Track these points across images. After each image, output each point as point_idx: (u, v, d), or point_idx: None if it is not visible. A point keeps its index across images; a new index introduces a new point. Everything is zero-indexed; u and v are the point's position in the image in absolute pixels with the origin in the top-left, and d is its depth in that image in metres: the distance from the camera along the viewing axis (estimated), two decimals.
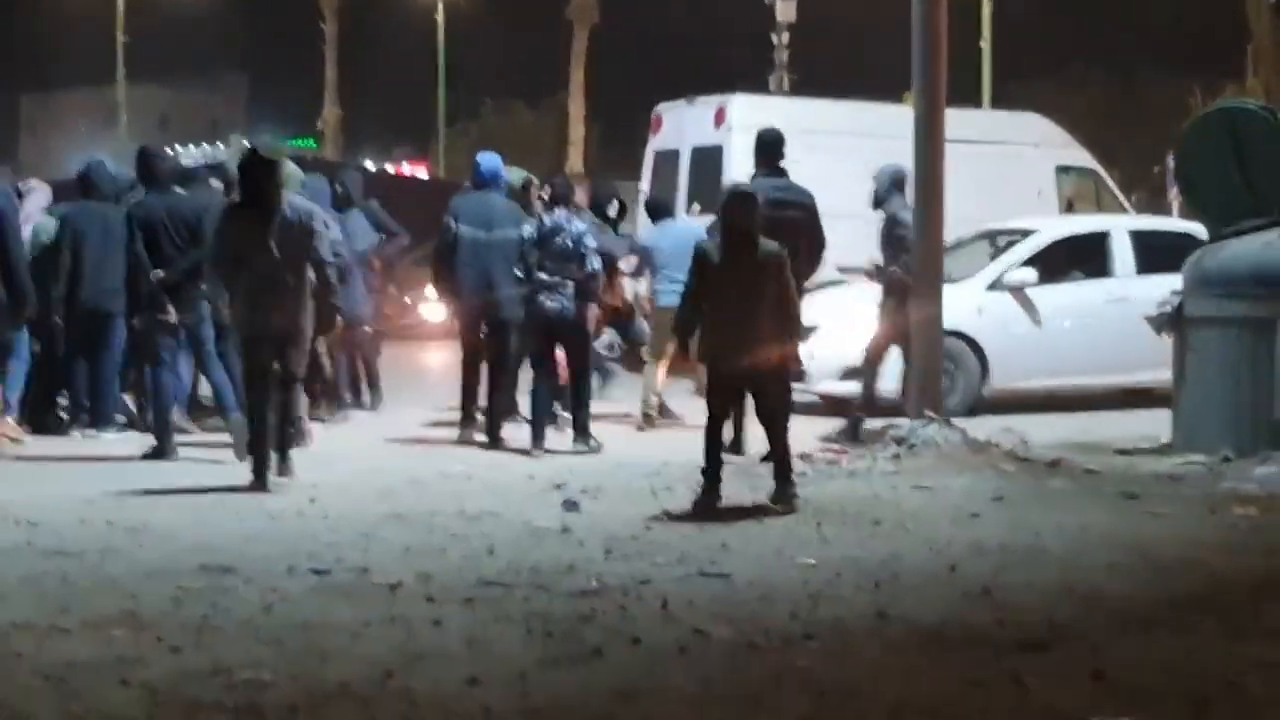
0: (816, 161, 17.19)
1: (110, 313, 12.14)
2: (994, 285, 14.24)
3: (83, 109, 70.11)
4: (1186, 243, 12.54)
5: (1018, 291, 14.15)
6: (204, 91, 77.91)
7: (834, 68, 34.52)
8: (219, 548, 7.79)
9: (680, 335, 9.44)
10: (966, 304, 13.85)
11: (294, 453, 10.10)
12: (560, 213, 11.69)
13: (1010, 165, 19.15)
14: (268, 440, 9.85)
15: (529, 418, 11.76)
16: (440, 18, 50.21)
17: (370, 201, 14.07)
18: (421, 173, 48.44)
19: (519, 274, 11.62)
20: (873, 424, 11.38)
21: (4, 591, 6.87)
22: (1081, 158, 20.48)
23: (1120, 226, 15.23)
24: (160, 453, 11.13)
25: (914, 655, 5.87)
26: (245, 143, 63.96)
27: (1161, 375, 13.86)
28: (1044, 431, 11.70)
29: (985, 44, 38.05)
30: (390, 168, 46.51)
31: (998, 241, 15.03)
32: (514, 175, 12.93)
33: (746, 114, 17.95)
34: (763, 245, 9.05)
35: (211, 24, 62.46)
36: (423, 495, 9.49)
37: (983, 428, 11.11)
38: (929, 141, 10.98)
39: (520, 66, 52.78)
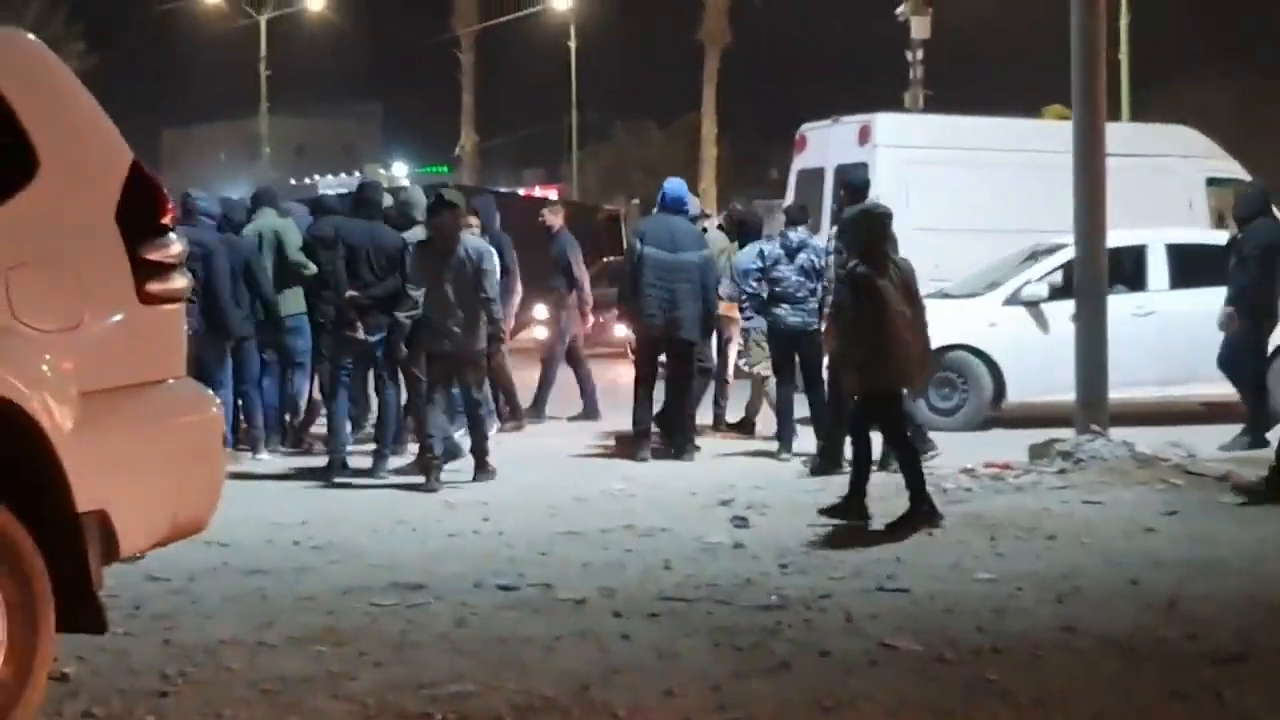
0: (960, 177, 17.27)
1: (245, 337, 12.47)
2: (1010, 300, 14.18)
3: (222, 141, 71.55)
4: (1221, 254, 12.65)
5: (1033, 306, 14.04)
6: (339, 120, 79.20)
7: (970, 84, 34.46)
8: (405, 565, 8.01)
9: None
10: (980, 318, 14.07)
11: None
12: (802, 231, 12.25)
13: (1158, 179, 18.95)
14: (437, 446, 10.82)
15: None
16: (572, 42, 50.61)
17: (504, 235, 14.17)
18: (553, 196, 48.86)
19: (752, 289, 12.09)
20: (1037, 438, 11.34)
21: (210, 610, 7.11)
22: (1231, 168, 20.20)
23: (1157, 240, 14.97)
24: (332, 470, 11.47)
25: (1107, 667, 5.91)
26: (381, 170, 64.84)
27: (1193, 390, 14.04)
28: (1211, 444, 11.63)
29: (1124, 56, 37.64)
30: (521, 191, 47.04)
31: (1039, 256, 14.85)
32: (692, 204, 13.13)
33: (891, 132, 18.01)
34: (902, 260, 9.28)
35: (345, 54, 63.58)
36: (590, 512, 9.66)
37: (1148, 441, 11.04)
38: (1089, 153, 10.95)
39: (652, 88, 53.18)
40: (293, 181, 64.77)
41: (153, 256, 5.18)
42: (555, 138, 56.25)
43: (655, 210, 12.91)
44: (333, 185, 56.49)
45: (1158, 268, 14.54)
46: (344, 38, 56.71)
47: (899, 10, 31.16)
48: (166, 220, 5.30)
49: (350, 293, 11.43)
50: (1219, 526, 8.67)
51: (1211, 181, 19.69)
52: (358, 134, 78.46)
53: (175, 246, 5.27)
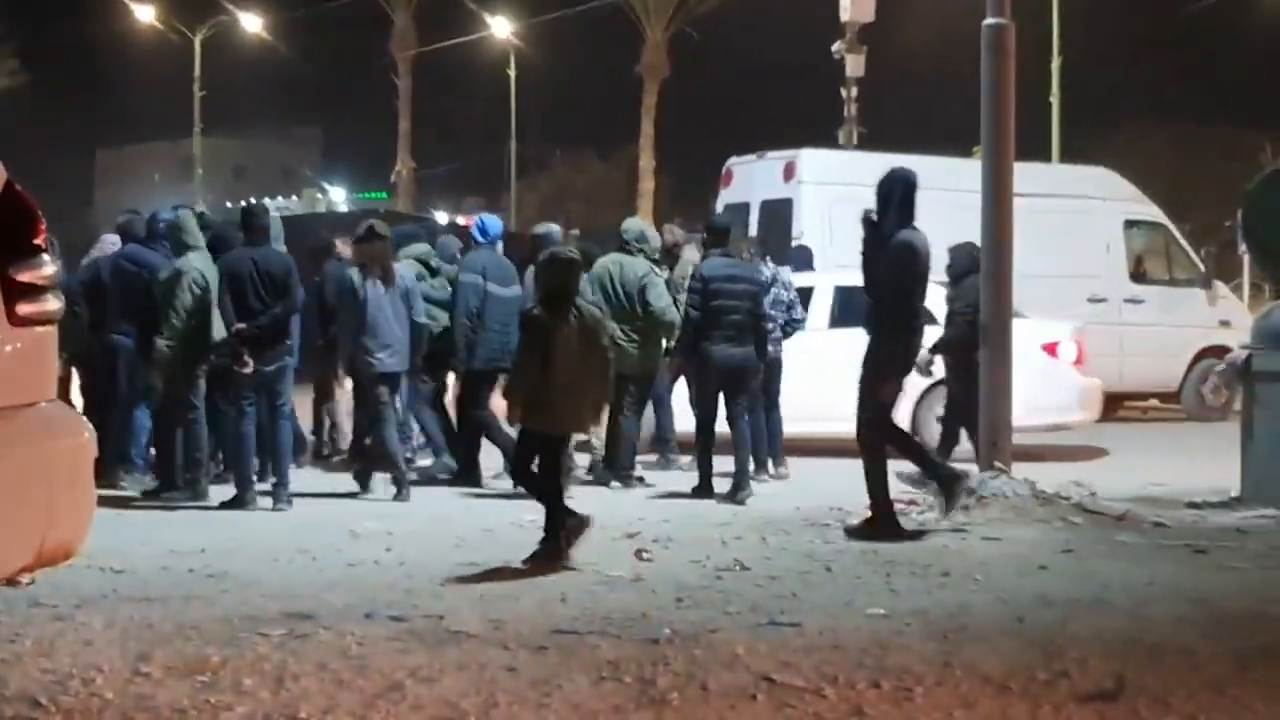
0: None
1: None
2: None
3: (157, 162, 71.12)
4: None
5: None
6: (278, 144, 78.92)
7: (905, 122, 34.70)
8: (298, 595, 7.97)
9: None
10: None
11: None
12: (773, 266, 12.96)
13: (1078, 220, 19.20)
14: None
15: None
16: (512, 71, 50.68)
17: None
18: None
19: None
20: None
21: (91, 637, 7.04)
22: (1150, 212, 20.48)
23: (826, 282, 15.43)
24: (240, 502, 11.38)
25: (981, 704, 5.94)
26: (319, 194, 64.48)
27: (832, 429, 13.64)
28: (1114, 483, 11.74)
29: (1054, 99, 38.05)
30: (461, 220, 46.97)
31: None
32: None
33: (816, 168, 18.15)
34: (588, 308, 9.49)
35: (286, 78, 63.39)
36: (496, 545, 9.64)
37: (1052, 479, 11.14)
38: (997, 196, 11.07)
39: (591, 119, 53.29)
40: (229, 204, 64.56)
41: (23, 278, 5.13)
42: (495, 166, 56.28)
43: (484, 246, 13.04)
44: (270, 209, 56.32)
45: (822, 308, 15.21)
46: (284, 60, 56.50)
47: (834, 48, 31.34)
48: (39, 241, 5.26)
49: (238, 325, 11.39)
50: (1111, 566, 8.75)
51: (1130, 224, 19.94)
52: (296, 157, 78.17)
53: (48, 268, 5.24)
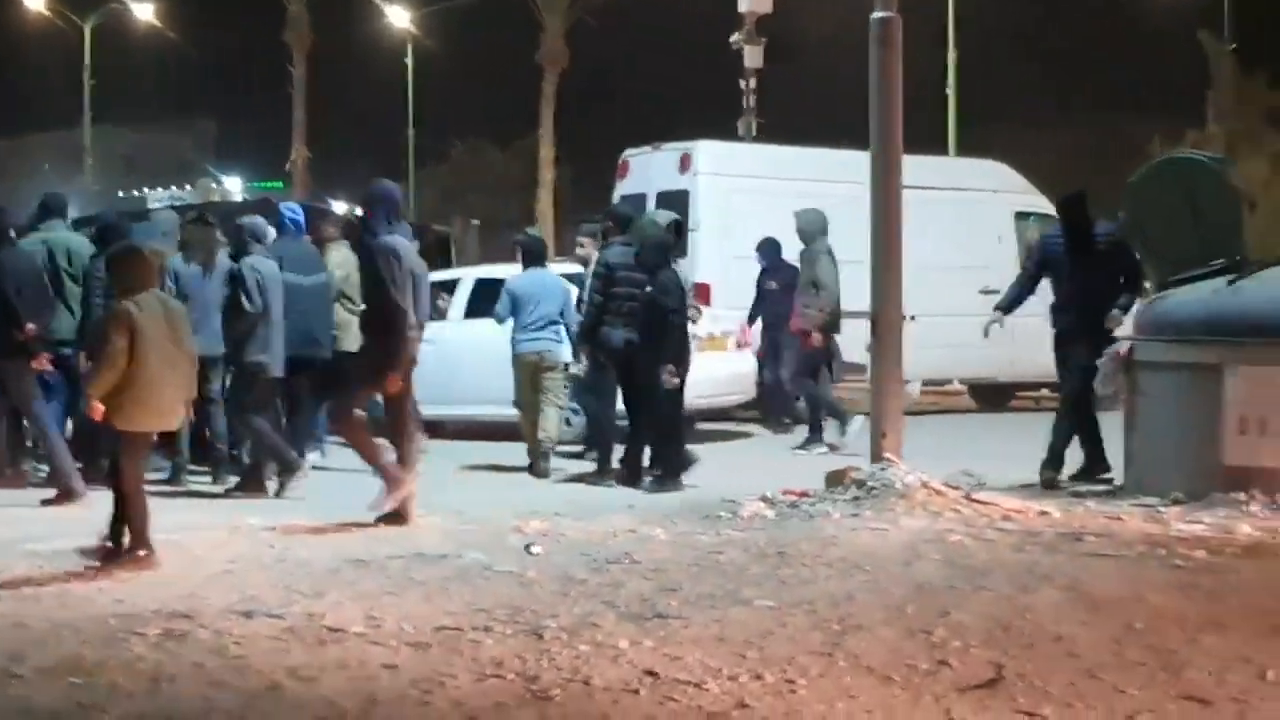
0: (782, 206, 17.37)
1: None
2: None
3: (51, 152, 70.01)
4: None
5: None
6: (172, 134, 77.88)
7: (804, 114, 34.77)
8: (175, 594, 7.84)
9: None
10: None
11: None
12: None
13: (969, 211, 19.35)
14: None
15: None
16: (409, 60, 50.35)
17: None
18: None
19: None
20: (835, 466, 11.47)
21: None
22: (1040, 204, 20.67)
23: (469, 276, 16.65)
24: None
25: (864, 695, 5.96)
26: (214, 184, 63.80)
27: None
28: (1004, 474, 11.84)
29: (950, 90, 38.33)
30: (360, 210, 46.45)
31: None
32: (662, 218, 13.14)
33: (712, 160, 18.17)
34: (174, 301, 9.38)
35: (180, 67, 62.56)
36: (384, 540, 9.55)
37: (941, 469, 11.22)
38: (885, 189, 11.12)
39: (490, 109, 53.04)
40: (120, 194, 63.63)
41: None
42: (393, 156, 55.88)
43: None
44: (163, 199, 55.59)
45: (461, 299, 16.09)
46: (176, 48, 55.83)
47: (733, 39, 31.39)
48: None
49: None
50: (994, 555, 8.81)
51: (1021, 215, 20.13)
52: (190, 147, 77.18)
53: None
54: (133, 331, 8.55)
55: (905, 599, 7.63)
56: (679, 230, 12.89)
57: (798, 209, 15.26)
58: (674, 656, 6.52)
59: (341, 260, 13.29)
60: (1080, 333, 11.76)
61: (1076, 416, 11.92)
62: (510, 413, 13.69)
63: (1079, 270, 11.77)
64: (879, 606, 7.47)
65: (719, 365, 15.58)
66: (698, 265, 17.12)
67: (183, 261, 12.32)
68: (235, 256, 12.69)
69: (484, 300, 15.07)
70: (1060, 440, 11.87)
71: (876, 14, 11.09)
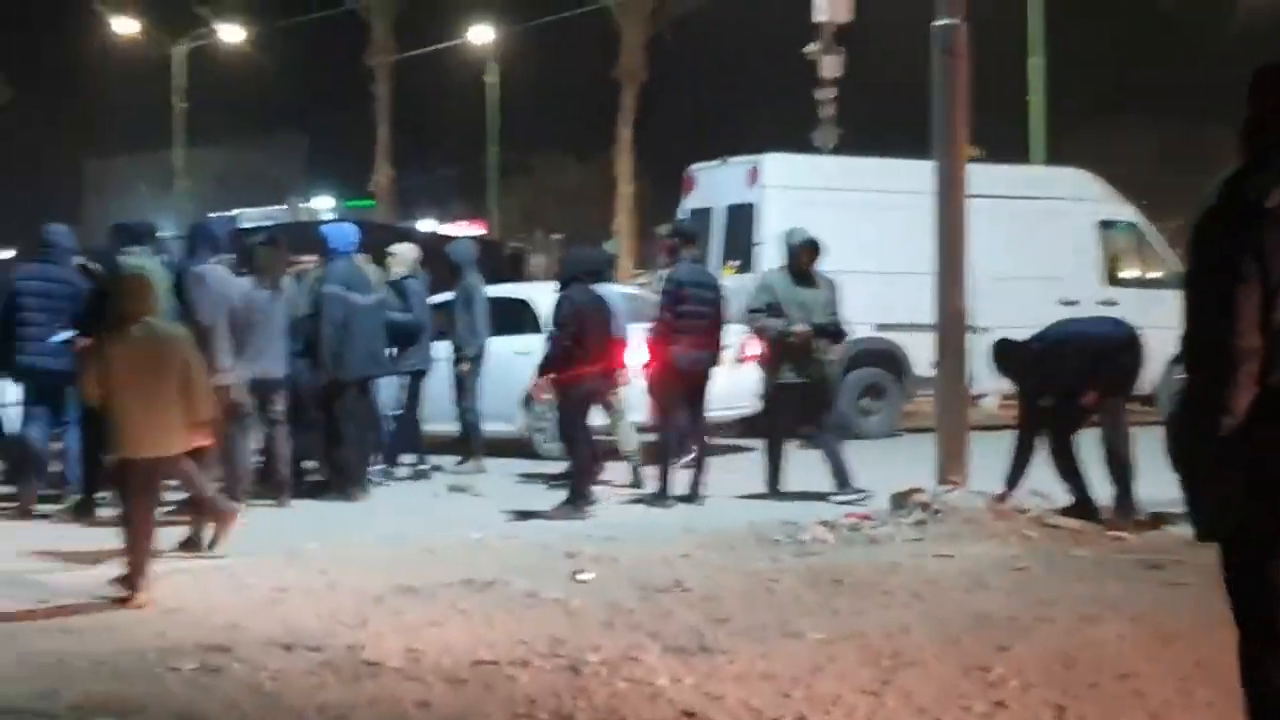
0: (850, 219, 17.10)
1: None
2: None
3: (143, 172, 70.91)
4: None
5: None
6: (261, 151, 78.62)
7: (884, 125, 34.33)
8: (219, 624, 7.72)
9: None
10: None
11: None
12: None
13: (1049, 221, 18.95)
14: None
15: None
16: (491, 78, 50.42)
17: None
18: (478, 232, 48.62)
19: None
20: (900, 488, 11.18)
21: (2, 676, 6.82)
22: (1124, 212, 20.24)
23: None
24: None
25: None
26: (303, 203, 64.44)
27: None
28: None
29: (1033, 97, 37.76)
30: (447, 229, 46.65)
31: None
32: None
33: (779, 173, 17.91)
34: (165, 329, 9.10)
35: (270, 87, 63.06)
36: (435, 565, 9.39)
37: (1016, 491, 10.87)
38: (948, 198, 10.85)
39: (570, 124, 52.96)
40: (212, 214, 64.20)
41: None
42: (476, 173, 56.04)
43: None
44: (255, 218, 56.00)
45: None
46: (268, 69, 56.32)
47: (808, 49, 31.05)
48: None
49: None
50: (1059, 583, 8.49)
51: (1104, 225, 19.70)
52: (281, 166, 77.91)
53: None
54: (104, 364, 8.56)
55: (963, 631, 7.35)
56: (814, 249, 12.57)
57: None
58: (714, 695, 6.29)
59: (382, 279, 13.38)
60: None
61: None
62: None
63: None
64: (935, 640, 7.20)
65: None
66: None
67: (253, 284, 12.19)
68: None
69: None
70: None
71: (940, 21, 10.82)
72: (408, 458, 14.33)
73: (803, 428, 12.55)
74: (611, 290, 13.43)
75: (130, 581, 8.41)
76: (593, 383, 11.77)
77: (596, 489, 12.20)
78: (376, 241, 14.84)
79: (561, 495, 11.88)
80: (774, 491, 12.10)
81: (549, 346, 11.84)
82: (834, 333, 12.37)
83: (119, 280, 9.19)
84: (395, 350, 13.71)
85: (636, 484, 12.96)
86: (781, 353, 12.14)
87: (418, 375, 14.20)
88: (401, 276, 14.02)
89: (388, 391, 13.89)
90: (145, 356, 8.60)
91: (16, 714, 6.15)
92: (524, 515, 11.57)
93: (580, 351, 11.57)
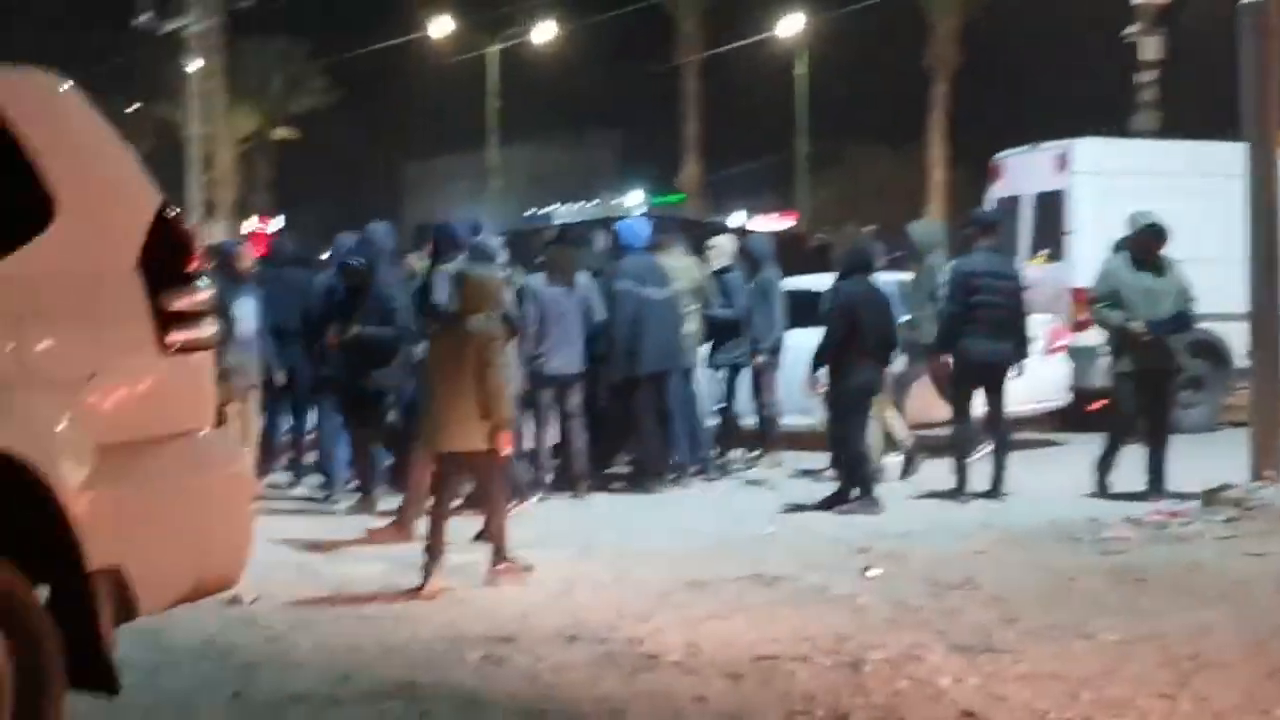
0: (1164, 204, 16.41)
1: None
2: None
3: (461, 172, 72.88)
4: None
5: None
6: (576, 149, 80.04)
7: (1206, 107, 33.06)
8: (507, 616, 7.83)
9: None
10: None
11: None
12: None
13: None
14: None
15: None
16: (801, 69, 50.32)
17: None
18: (788, 224, 48.64)
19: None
20: (1209, 484, 10.73)
21: (299, 660, 7.03)
22: None
23: None
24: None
25: None
26: (616, 199, 65.43)
27: None
28: None
29: None
30: (757, 221, 46.78)
31: None
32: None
33: (1090, 158, 17.33)
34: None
35: (582, 84, 64.15)
36: (724, 559, 9.36)
37: None
38: (1262, 182, 10.35)
39: (882, 112, 52.46)
40: (529, 211, 65.58)
41: (176, 305, 5.07)
42: (786, 165, 56.02)
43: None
44: (570, 214, 57.07)
45: None
46: (578, 66, 57.32)
47: (1127, 31, 30.10)
48: (193, 268, 5.20)
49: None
50: None
51: None
52: (594, 162, 79.23)
53: (201, 294, 5.17)
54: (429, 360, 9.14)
55: (1271, 634, 7.00)
56: (1158, 235, 11.97)
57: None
58: (998, 696, 6.11)
59: (683, 268, 13.24)
60: None
61: None
62: None
63: None
64: (1239, 642, 6.86)
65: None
66: (1075, 269, 16.35)
67: (545, 283, 12.31)
68: (597, 272, 12.84)
69: None
70: None
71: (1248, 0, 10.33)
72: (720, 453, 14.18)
73: (1144, 422, 11.81)
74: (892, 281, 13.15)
75: (427, 568, 8.62)
76: (866, 376, 11.52)
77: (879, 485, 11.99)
78: (689, 236, 14.76)
79: (834, 489, 11.68)
80: (1101, 488, 11.56)
81: (821, 339, 11.69)
82: (1181, 324, 11.55)
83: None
84: (713, 344, 13.70)
85: (907, 475, 12.69)
86: (1123, 343, 11.54)
87: (737, 369, 14.04)
88: (722, 269, 13.94)
89: (710, 386, 13.83)
90: (454, 353, 8.87)
91: (309, 699, 6.33)
92: (818, 509, 11.42)
93: (853, 344, 11.37)
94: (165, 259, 5.11)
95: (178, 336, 5.08)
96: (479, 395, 8.72)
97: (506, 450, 9.03)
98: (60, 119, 5.10)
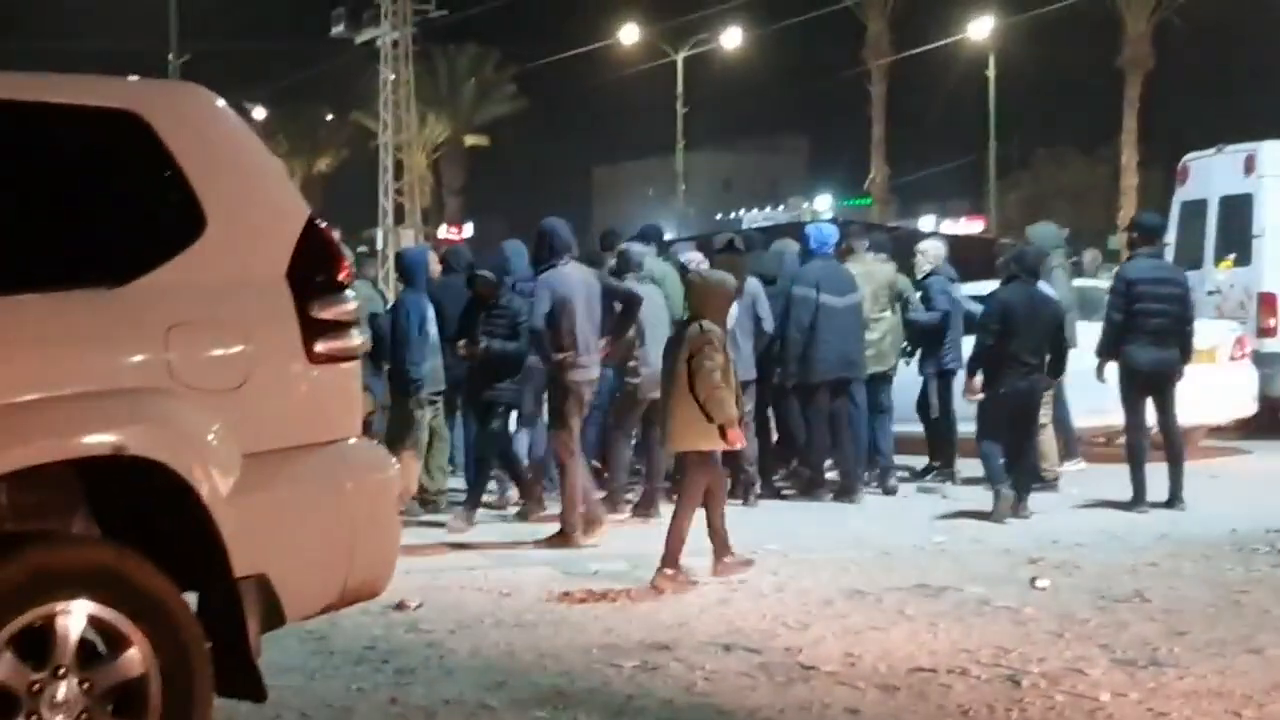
0: None
1: None
2: None
3: (650, 176, 73.25)
4: None
5: None
6: (764, 154, 79.96)
7: None
8: (665, 623, 7.83)
9: None
10: None
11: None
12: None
13: None
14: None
15: None
16: (991, 71, 49.67)
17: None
18: (977, 228, 48.04)
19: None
20: None
21: (453, 666, 7.09)
22: None
23: None
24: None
25: None
26: (804, 204, 65.15)
27: None
28: None
29: None
30: (946, 225, 46.27)
31: None
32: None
33: (1278, 160, 16.81)
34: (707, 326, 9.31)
35: (771, 89, 64.11)
36: (887, 569, 9.26)
37: None
38: None
39: (1073, 114, 51.63)
40: (718, 216, 65.70)
41: (325, 315, 5.14)
42: (975, 169, 55.40)
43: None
44: (757, 219, 57.08)
45: None
46: (766, 71, 57.24)
47: None
48: (342, 277, 5.27)
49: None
50: None
51: None
52: (783, 167, 79.08)
53: (349, 304, 5.24)
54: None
55: None
56: None
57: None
58: (1159, 712, 5.96)
59: (865, 274, 13.03)
60: None
61: None
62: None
63: None
64: None
65: (1207, 379, 13.88)
66: (1263, 273, 15.90)
67: None
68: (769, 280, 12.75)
69: None
70: None
71: None
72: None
73: None
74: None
75: (667, 560, 8.93)
76: (1018, 384, 11.25)
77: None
78: (886, 241, 14.50)
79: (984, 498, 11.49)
80: None
81: (975, 346, 11.48)
82: None
83: (689, 283, 9.84)
84: (918, 351, 13.50)
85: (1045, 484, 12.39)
86: None
87: (946, 375, 13.81)
88: (928, 273, 13.72)
89: (908, 394, 13.62)
90: (676, 357, 9.19)
91: (461, 705, 6.38)
92: (984, 518, 11.22)
93: (1003, 352, 11.15)
94: (314, 269, 5.18)
95: (325, 346, 5.15)
96: (698, 398, 8.99)
97: (735, 445, 9.34)
98: (211, 132, 5.21)
